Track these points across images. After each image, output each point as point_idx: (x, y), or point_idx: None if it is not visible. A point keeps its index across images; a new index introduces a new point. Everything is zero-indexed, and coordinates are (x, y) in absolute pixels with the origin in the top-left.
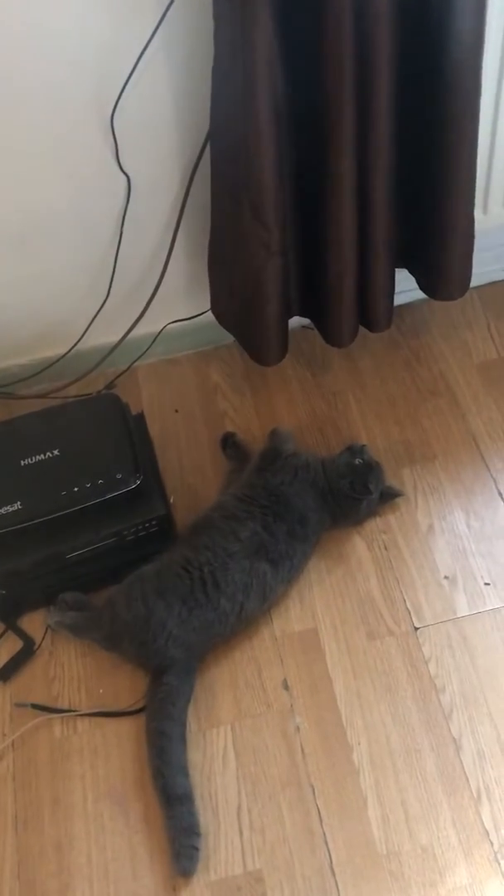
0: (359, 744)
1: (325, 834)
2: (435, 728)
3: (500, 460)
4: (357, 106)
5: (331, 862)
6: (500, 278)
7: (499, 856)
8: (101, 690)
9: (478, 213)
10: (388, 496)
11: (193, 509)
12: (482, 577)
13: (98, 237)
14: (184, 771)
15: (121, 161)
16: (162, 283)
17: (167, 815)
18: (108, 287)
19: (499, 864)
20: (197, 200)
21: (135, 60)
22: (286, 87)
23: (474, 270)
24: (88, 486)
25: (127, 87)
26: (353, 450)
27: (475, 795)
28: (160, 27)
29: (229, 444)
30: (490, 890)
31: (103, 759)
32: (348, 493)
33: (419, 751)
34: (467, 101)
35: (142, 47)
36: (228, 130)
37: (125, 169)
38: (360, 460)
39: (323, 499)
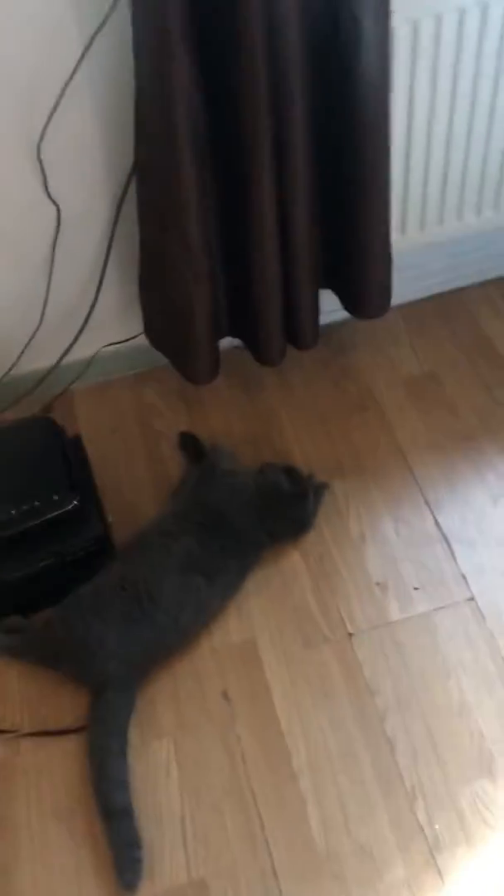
0: (298, 750)
1: (266, 839)
2: (370, 730)
3: (425, 469)
4: (274, 135)
5: (273, 866)
6: (421, 297)
7: (433, 850)
8: (43, 710)
9: (396, 235)
10: (318, 498)
11: (133, 527)
12: (411, 582)
13: (30, 265)
14: (123, 785)
15: (49, 191)
16: (95, 308)
17: (108, 829)
18: (41, 313)
19: (433, 858)
20: (126, 227)
21: (59, 92)
22: (206, 120)
23: (397, 289)
24: (25, 508)
25: (52, 118)
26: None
27: (410, 793)
28: (83, 59)
29: (188, 443)
30: (427, 883)
31: (47, 778)
32: (282, 514)
33: (356, 753)
34: (375, 128)
35: (66, 79)
36: (152, 161)
37: (54, 198)
38: (290, 483)
39: (259, 518)
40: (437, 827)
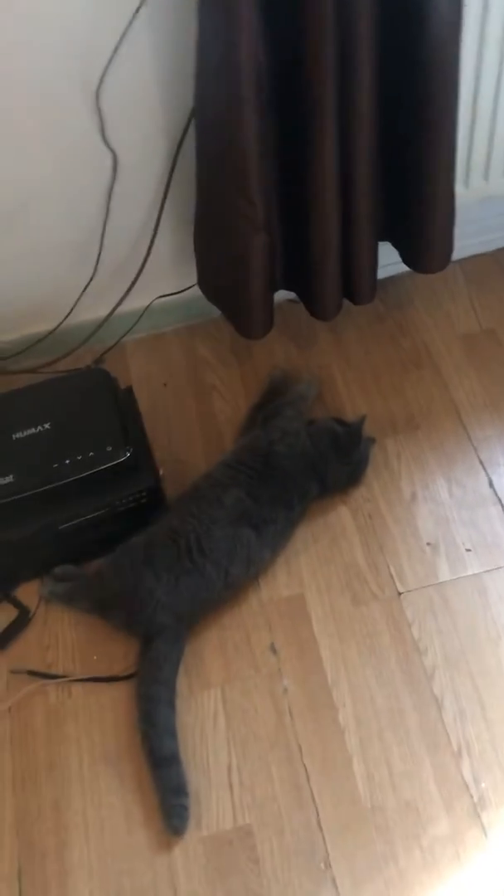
0: (344, 705)
1: (312, 790)
2: (418, 688)
3: (481, 430)
4: (339, 81)
5: (318, 817)
6: (483, 251)
7: (478, 807)
8: (94, 657)
9: (459, 187)
10: (366, 450)
11: (183, 480)
12: (463, 543)
13: (85, 213)
14: (171, 733)
15: (106, 137)
16: (149, 259)
17: (155, 776)
18: (95, 263)
19: (478, 815)
20: (183, 176)
21: (119, 36)
22: (269, 62)
23: (457, 244)
24: (79, 458)
25: (111, 63)
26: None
27: (456, 751)
28: (144, 2)
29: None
30: (470, 840)
31: (97, 723)
32: (335, 459)
33: (402, 710)
34: (446, 76)
35: (126, 23)
36: (212, 106)
37: (111, 145)
38: (342, 427)
39: (311, 467)
40: (483, 785)
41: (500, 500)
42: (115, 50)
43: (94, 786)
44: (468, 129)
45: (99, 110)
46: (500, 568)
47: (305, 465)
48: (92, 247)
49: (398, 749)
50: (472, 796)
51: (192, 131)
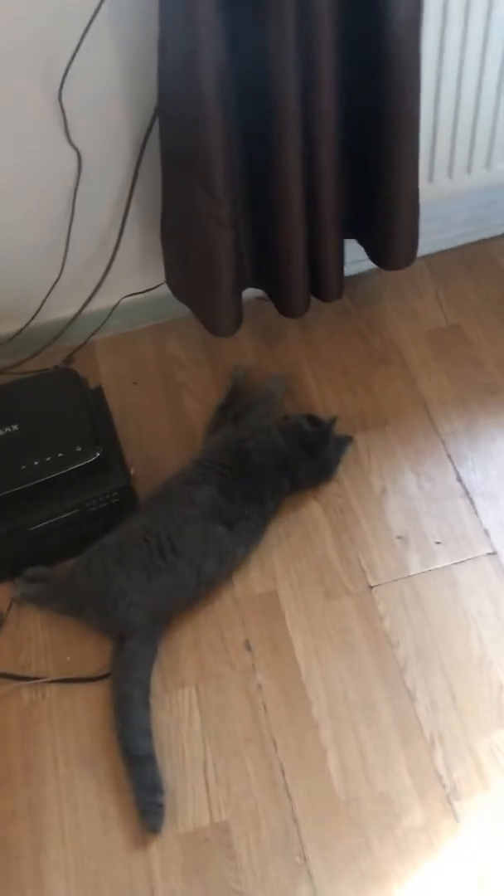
0: (318, 699)
1: (287, 785)
2: (390, 681)
3: (448, 424)
4: (300, 77)
5: (293, 811)
6: (448, 247)
7: (451, 797)
8: (68, 658)
9: (424, 184)
10: (341, 448)
11: (154, 480)
12: (433, 536)
13: (50, 212)
14: (145, 732)
15: (70, 136)
16: (116, 257)
17: (130, 775)
18: (62, 262)
19: (451, 805)
20: (148, 174)
21: (81, 34)
22: (231, 59)
23: (423, 240)
24: (48, 459)
25: (74, 61)
26: (306, 417)
27: (429, 742)
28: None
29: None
30: (443, 829)
31: (72, 724)
32: (303, 456)
33: (375, 703)
34: (407, 72)
35: (87, 20)
36: (176, 103)
37: (75, 144)
38: (311, 426)
39: (283, 463)
40: (455, 775)
41: (467, 493)
42: (78, 47)
43: (69, 786)
44: (431, 125)
45: (62, 108)
46: (470, 560)
47: (277, 462)
48: (58, 245)
49: (372, 741)
50: (444, 786)
51: (156, 129)
